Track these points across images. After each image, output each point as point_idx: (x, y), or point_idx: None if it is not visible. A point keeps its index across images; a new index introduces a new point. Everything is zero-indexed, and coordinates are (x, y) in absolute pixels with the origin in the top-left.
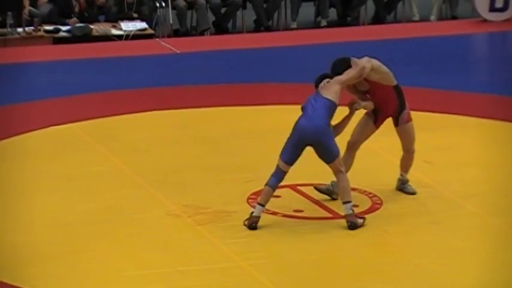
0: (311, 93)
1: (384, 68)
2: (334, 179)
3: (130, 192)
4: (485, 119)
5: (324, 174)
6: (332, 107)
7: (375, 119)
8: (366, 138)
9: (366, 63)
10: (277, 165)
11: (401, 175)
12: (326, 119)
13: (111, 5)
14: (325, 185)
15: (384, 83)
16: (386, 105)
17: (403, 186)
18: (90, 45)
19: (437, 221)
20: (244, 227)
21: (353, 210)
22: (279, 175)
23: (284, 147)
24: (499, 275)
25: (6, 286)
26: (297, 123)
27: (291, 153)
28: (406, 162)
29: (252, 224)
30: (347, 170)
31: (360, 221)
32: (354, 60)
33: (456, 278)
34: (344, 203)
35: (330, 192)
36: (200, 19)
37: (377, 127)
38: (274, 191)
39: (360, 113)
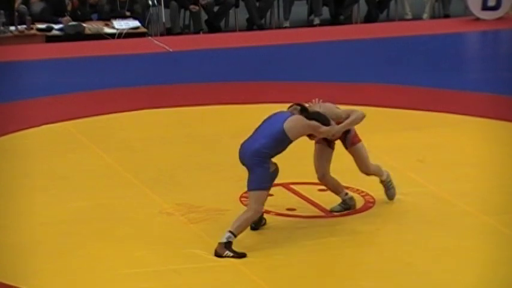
0: (303, 91)
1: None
2: (345, 195)
3: (123, 190)
4: (478, 118)
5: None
6: (284, 142)
7: (328, 143)
8: (329, 165)
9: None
10: None
11: (380, 180)
12: (266, 149)
13: (104, 3)
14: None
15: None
16: None
17: (385, 188)
18: (82, 43)
19: (429, 220)
20: None
21: (229, 243)
22: None
23: None
24: (491, 274)
25: None
26: (241, 145)
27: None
28: (373, 173)
29: (252, 225)
30: (339, 189)
31: (228, 253)
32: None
33: (448, 276)
34: (229, 230)
35: (346, 208)
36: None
37: (332, 149)
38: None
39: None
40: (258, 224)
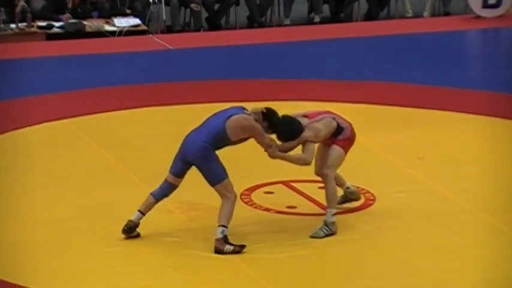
0: (303, 89)
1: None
2: (347, 189)
3: (124, 188)
4: (478, 115)
5: None
6: (222, 138)
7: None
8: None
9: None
10: (166, 178)
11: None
12: (208, 143)
13: (104, 1)
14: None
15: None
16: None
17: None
18: (83, 41)
19: (429, 217)
20: (237, 223)
21: (225, 236)
22: (165, 187)
23: (174, 159)
24: (491, 272)
25: None
26: (186, 137)
27: (178, 166)
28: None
29: (125, 228)
30: (342, 183)
31: (229, 247)
32: (304, 135)
33: (448, 274)
34: (219, 225)
35: (347, 199)
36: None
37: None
38: (156, 202)
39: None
40: (132, 229)
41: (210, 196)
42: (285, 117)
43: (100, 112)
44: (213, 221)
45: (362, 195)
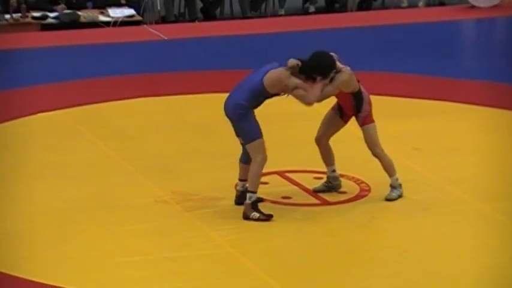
0: None
1: (354, 81)
2: (332, 172)
3: (119, 178)
4: (473, 105)
5: (312, 160)
6: (261, 92)
7: (341, 114)
8: (333, 133)
9: (346, 83)
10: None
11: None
12: (246, 101)
13: None
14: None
15: (346, 90)
16: (344, 104)
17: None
18: (78, 31)
19: (425, 207)
20: (233, 213)
21: (254, 202)
22: (243, 149)
23: None
24: (488, 261)
25: None
26: (226, 97)
27: (233, 126)
28: (384, 167)
29: (236, 199)
30: (330, 162)
31: (255, 214)
32: (341, 70)
33: (444, 264)
34: (248, 191)
35: (330, 187)
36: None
37: (345, 122)
38: (248, 163)
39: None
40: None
41: (205, 186)
42: (317, 52)
43: (95, 103)
44: (208, 211)
45: (357, 185)
